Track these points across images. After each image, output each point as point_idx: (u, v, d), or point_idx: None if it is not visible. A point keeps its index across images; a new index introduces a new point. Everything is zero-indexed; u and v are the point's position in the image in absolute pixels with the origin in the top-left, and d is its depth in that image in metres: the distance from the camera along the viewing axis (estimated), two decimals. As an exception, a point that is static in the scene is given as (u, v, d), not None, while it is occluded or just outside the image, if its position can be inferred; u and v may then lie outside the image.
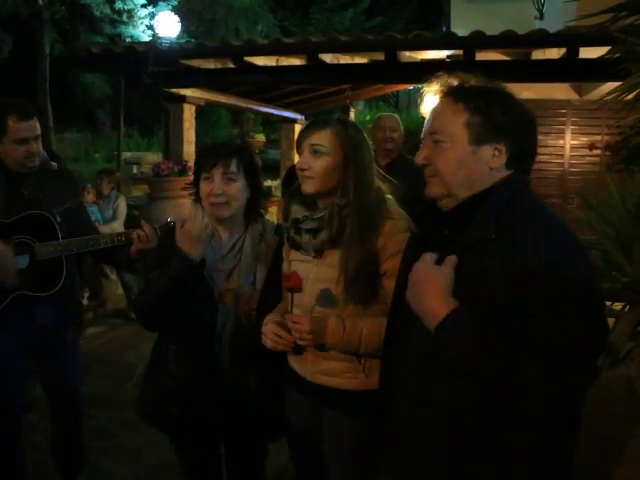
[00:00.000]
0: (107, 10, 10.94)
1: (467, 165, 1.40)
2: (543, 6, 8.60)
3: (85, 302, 5.85)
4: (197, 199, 2.16)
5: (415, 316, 1.41)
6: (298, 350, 1.90)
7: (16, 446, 2.65)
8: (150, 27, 10.53)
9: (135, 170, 12.48)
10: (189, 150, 6.98)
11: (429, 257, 1.38)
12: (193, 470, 2.30)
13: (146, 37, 10.75)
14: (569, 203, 7.63)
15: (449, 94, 1.46)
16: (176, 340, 2.11)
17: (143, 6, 11.33)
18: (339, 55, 6.23)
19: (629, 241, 2.59)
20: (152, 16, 10.76)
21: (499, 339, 1.26)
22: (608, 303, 2.71)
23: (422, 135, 1.49)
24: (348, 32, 13.72)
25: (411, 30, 6.29)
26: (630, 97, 2.98)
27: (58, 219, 2.51)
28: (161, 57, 5.96)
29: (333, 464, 1.97)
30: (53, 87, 11.13)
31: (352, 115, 9.00)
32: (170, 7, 11.80)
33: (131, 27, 11.28)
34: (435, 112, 1.47)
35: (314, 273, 1.88)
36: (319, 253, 1.87)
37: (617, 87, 3.00)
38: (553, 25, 6.25)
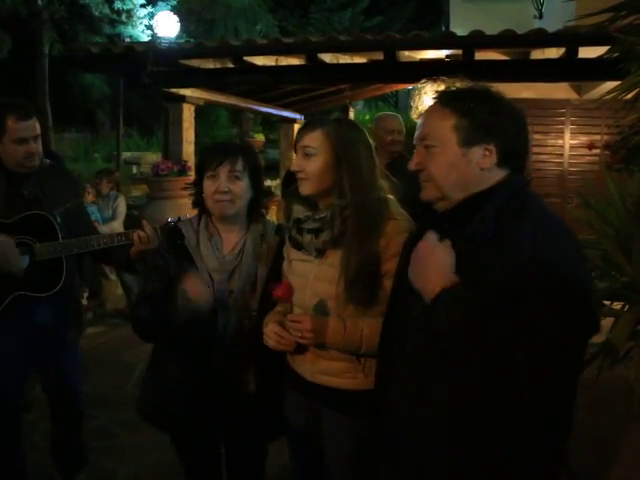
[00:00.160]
0: (106, 10, 10.95)
1: (458, 167, 1.43)
2: (542, 6, 8.61)
3: (85, 302, 5.84)
4: (197, 199, 2.16)
5: (412, 313, 1.43)
6: (300, 350, 1.90)
7: (16, 446, 2.65)
8: (149, 27, 10.54)
9: (134, 170, 12.48)
10: (188, 150, 6.98)
11: (432, 235, 1.41)
12: (193, 470, 2.30)
13: (145, 37, 10.76)
14: (568, 202, 7.64)
15: (436, 99, 1.49)
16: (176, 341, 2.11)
17: (142, 6, 11.34)
18: (338, 55, 6.23)
19: (628, 240, 2.59)
20: (151, 16, 10.77)
21: (493, 321, 1.28)
22: (607, 302, 2.72)
23: (414, 141, 1.52)
24: (347, 32, 13.74)
25: (410, 30, 6.30)
26: (629, 96, 2.98)
27: (58, 219, 2.51)
28: (160, 57, 5.95)
29: (333, 464, 1.97)
30: (52, 87, 11.14)
31: (351, 115, 9.01)
32: (169, 7, 11.82)
33: (130, 27, 11.29)
34: (424, 118, 1.50)
35: (315, 273, 1.88)
36: (321, 253, 1.87)
37: (616, 86, 3.00)
38: (552, 25, 6.26)
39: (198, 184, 2.14)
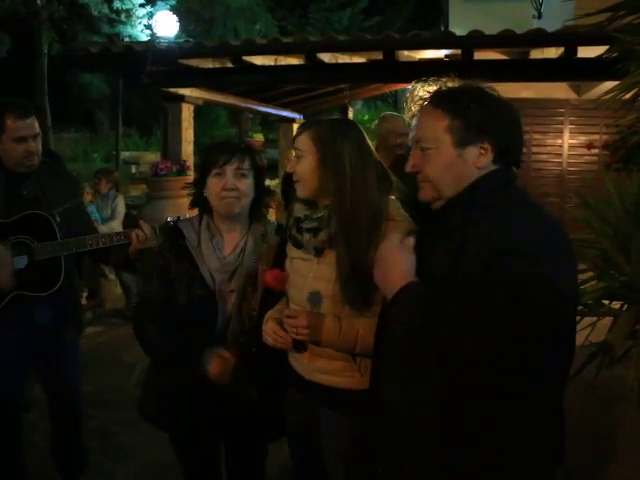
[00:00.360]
0: (105, 10, 10.95)
1: (454, 168, 1.44)
2: (541, 5, 8.61)
3: (84, 302, 5.84)
4: (198, 199, 2.16)
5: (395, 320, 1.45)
6: (298, 348, 1.91)
7: (16, 446, 2.65)
8: (148, 27, 10.54)
9: (133, 170, 12.49)
10: (187, 150, 6.98)
11: (394, 237, 1.47)
12: (192, 469, 2.30)
13: (144, 37, 10.76)
14: (567, 202, 7.65)
15: (429, 101, 1.50)
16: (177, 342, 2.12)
17: (141, 6, 11.34)
18: (337, 54, 6.23)
19: (627, 240, 2.59)
20: (150, 16, 10.77)
21: (447, 318, 1.30)
22: (606, 302, 2.72)
23: (410, 144, 1.53)
24: (346, 31, 13.76)
25: (409, 29, 6.30)
26: (628, 96, 2.98)
27: (58, 219, 2.50)
28: (159, 57, 5.95)
29: (331, 463, 1.98)
30: (51, 87, 11.12)
31: (350, 114, 9.02)
32: (168, 7, 11.82)
33: (129, 27, 11.29)
34: (418, 120, 1.51)
35: (314, 272, 1.89)
36: (319, 252, 1.87)
37: (615, 86, 3.00)
38: (551, 24, 6.26)
39: (199, 183, 2.13)
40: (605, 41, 3.22)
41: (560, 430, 1.46)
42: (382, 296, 1.67)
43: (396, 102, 18.09)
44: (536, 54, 5.92)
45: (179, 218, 2.33)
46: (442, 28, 12.41)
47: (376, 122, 4.35)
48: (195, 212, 2.24)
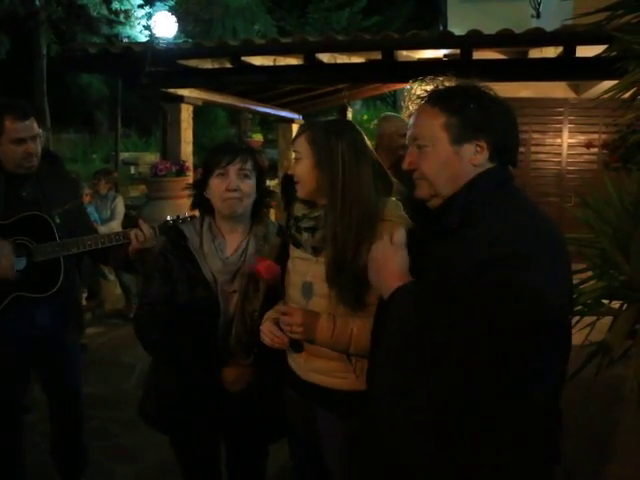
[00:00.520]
0: (104, 10, 10.94)
1: (451, 165, 1.44)
2: (540, 5, 8.61)
3: (83, 303, 5.84)
4: (199, 200, 2.16)
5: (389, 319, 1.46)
6: (295, 348, 1.92)
7: (16, 446, 2.65)
8: (147, 27, 10.54)
9: (133, 170, 12.49)
10: (187, 150, 6.98)
11: (387, 237, 1.48)
12: (192, 471, 2.30)
13: (143, 37, 10.76)
14: (567, 201, 7.66)
15: (426, 100, 1.51)
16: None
17: (140, 6, 11.34)
18: (336, 55, 6.23)
19: (627, 239, 2.59)
20: (149, 16, 10.78)
21: (439, 320, 1.31)
22: (606, 301, 2.72)
23: (407, 142, 1.54)
24: (345, 31, 13.75)
25: (408, 29, 6.30)
26: (627, 95, 2.98)
27: (57, 220, 2.50)
28: (158, 57, 5.95)
29: (329, 463, 1.98)
30: (50, 88, 11.12)
31: (349, 114, 9.01)
32: (167, 7, 11.82)
33: (128, 27, 11.28)
34: (415, 118, 1.52)
35: (312, 271, 1.89)
36: (317, 251, 1.88)
37: (614, 85, 3.00)
38: (550, 24, 6.26)
39: (201, 184, 2.13)
40: (604, 40, 3.22)
41: (557, 430, 1.46)
42: (377, 296, 1.67)
43: (395, 102, 18.09)
44: (535, 53, 5.92)
45: (179, 217, 2.34)
46: (441, 28, 12.41)
47: (375, 122, 4.33)
48: (195, 212, 2.24)
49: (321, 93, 8.75)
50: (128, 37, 11.19)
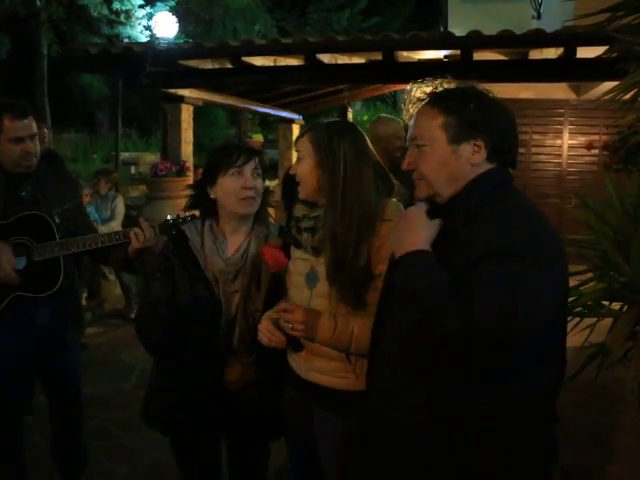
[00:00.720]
0: (105, 11, 10.96)
1: (449, 164, 1.46)
2: (540, 6, 8.61)
3: (83, 303, 5.84)
4: (202, 200, 2.16)
5: (389, 319, 1.49)
6: (294, 347, 1.92)
7: (16, 446, 2.65)
8: (148, 28, 10.55)
9: (133, 170, 12.48)
10: (187, 150, 6.98)
11: (423, 205, 1.48)
12: (192, 472, 2.29)
13: (144, 37, 10.78)
14: (567, 203, 7.64)
15: (425, 101, 1.53)
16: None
17: (141, 7, 11.35)
18: (337, 55, 6.24)
19: (627, 241, 2.59)
20: (150, 17, 10.78)
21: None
22: (606, 303, 2.72)
23: (406, 142, 1.56)
24: (345, 32, 13.75)
25: (408, 30, 6.30)
26: (628, 97, 2.98)
27: (57, 220, 2.50)
28: (159, 57, 5.95)
29: (326, 462, 1.98)
30: (51, 88, 11.14)
31: (350, 115, 9.01)
32: (168, 7, 11.82)
33: (129, 28, 11.30)
34: (414, 119, 1.54)
35: (309, 269, 1.89)
36: (317, 251, 1.88)
37: (615, 87, 3.00)
38: (550, 25, 6.26)
39: (204, 184, 2.13)
40: (604, 41, 3.22)
41: (554, 430, 1.47)
42: (377, 296, 1.68)
43: (395, 103, 18.10)
44: (535, 54, 5.92)
45: (179, 216, 2.34)
46: (441, 28, 12.41)
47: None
48: (195, 211, 2.25)
49: (321, 93, 8.75)
50: (129, 37, 11.21)
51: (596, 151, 8.45)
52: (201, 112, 9.99)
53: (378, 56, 5.92)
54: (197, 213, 2.25)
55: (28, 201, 2.49)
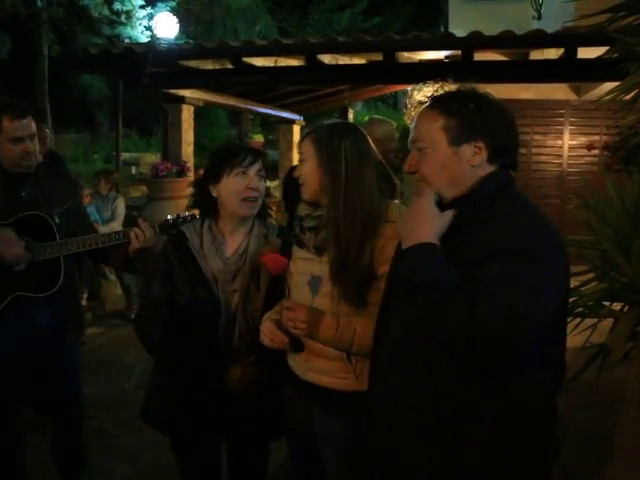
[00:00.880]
0: (105, 11, 10.95)
1: (449, 166, 1.47)
2: (541, 6, 8.61)
3: (84, 303, 5.83)
4: (202, 200, 2.16)
5: (392, 319, 1.49)
6: (295, 348, 1.91)
7: (16, 446, 2.65)
8: (148, 28, 10.55)
9: (134, 171, 12.48)
10: (188, 151, 6.98)
11: (435, 196, 1.47)
12: (192, 472, 2.29)
13: (144, 38, 10.76)
14: (567, 203, 7.64)
15: (426, 104, 1.55)
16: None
17: (141, 7, 11.35)
18: (337, 56, 6.24)
19: (628, 241, 2.59)
20: (150, 17, 10.78)
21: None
22: (607, 303, 2.71)
23: (408, 145, 1.57)
24: (346, 33, 13.73)
25: (409, 31, 6.31)
26: (628, 97, 2.98)
27: (57, 220, 2.50)
28: (160, 58, 5.95)
29: (327, 463, 1.98)
30: (52, 88, 11.14)
31: (350, 116, 9.02)
32: (168, 8, 11.82)
33: (129, 28, 11.29)
34: (416, 122, 1.55)
35: (315, 271, 1.89)
36: (320, 251, 1.88)
37: (615, 87, 3.00)
38: (551, 25, 6.26)
39: (205, 182, 2.14)
40: (605, 42, 3.21)
41: (554, 429, 1.48)
42: (379, 296, 1.68)
43: (396, 103, 18.09)
44: (536, 55, 5.92)
45: (179, 216, 2.34)
46: (442, 29, 12.42)
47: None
48: (195, 210, 2.25)
49: (322, 94, 8.75)
50: (129, 38, 11.20)
51: (597, 151, 8.44)
52: (202, 113, 10.00)
53: (379, 57, 5.93)
54: (197, 213, 2.25)
55: (28, 201, 2.48)
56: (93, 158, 15.37)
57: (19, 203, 2.47)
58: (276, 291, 2.04)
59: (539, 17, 8.58)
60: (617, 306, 2.70)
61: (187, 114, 6.94)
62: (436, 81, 1.59)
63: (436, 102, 1.53)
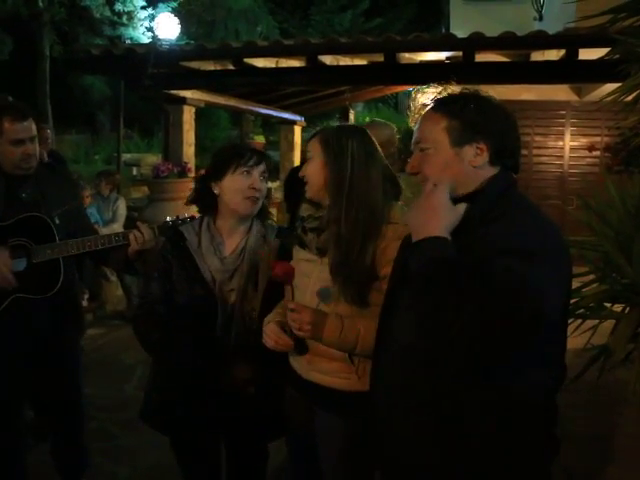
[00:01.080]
0: (107, 12, 10.98)
1: (451, 167, 1.48)
2: (542, 7, 8.62)
3: (85, 304, 5.83)
4: (204, 196, 2.16)
5: (394, 319, 1.49)
6: (299, 350, 1.91)
7: (16, 446, 2.65)
8: (150, 29, 10.57)
9: (135, 172, 12.47)
10: (189, 152, 6.99)
11: (448, 189, 1.46)
12: (192, 472, 2.29)
13: (146, 39, 10.79)
14: (569, 204, 7.63)
15: (429, 107, 1.56)
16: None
17: (143, 8, 11.38)
18: (339, 57, 6.24)
19: (629, 242, 2.59)
20: (152, 18, 10.80)
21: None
22: (608, 305, 2.71)
23: (411, 147, 1.58)
24: (347, 34, 13.75)
25: (410, 31, 6.31)
26: (630, 98, 2.98)
27: (57, 221, 2.50)
28: (161, 59, 5.96)
29: (326, 463, 1.98)
30: (53, 89, 11.16)
31: (351, 116, 9.02)
32: (170, 9, 11.84)
33: (131, 29, 11.32)
34: (419, 124, 1.56)
35: (317, 272, 1.89)
36: (322, 252, 1.88)
37: (616, 88, 3.00)
38: (552, 26, 6.26)
39: (207, 179, 2.14)
40: (606, 43, 3.22)
41: (554, 428, 1.48)
42: (381, 297, 1.68)
43: (397, 104, 18.09)
44: (537, 56, 5.92)
45: (178, 217, 2.34)
46: (443, 30, 12.42)
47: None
48: (192, 210, 2.25)
49: (323, 95, 8.76)
50: (131, 39, 11.23)
51: (598, 153, 8.44)
52: (203, 113, 10.00)
53: (380, 58, 5.93)
54: (196, 214, 2.26)
55: (28, 203, 2.48)
56: (94, 159, 15.37)
57: (19, 204, 2.47)
58: (274, 291, 2.04)
59: (540, 18, 8.58)
60: (618, 307, 2.70)
61: (188, 115, 6.95)
62: (439, 83, 1.61)
63: (439, 104, 1.54)
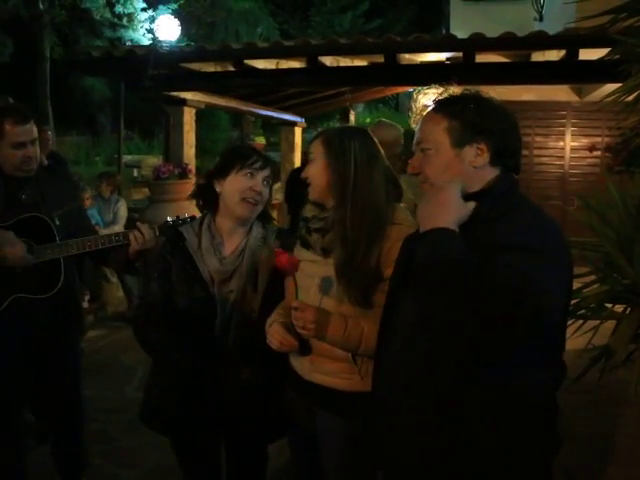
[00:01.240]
0: (107, 14, 11.00)
1: (452, 168, 1.49)
2: (542, 8, 8.62)
3: (85, 305, 5.83)
4: (203, 192, 2.16)
5: (396, 319, 1.50)
6: (303, 351, 1.91)
7: (16, 446, 2.64)
8: (150, 31, 10.58)
9: (135, 173, 12.49)
10: (189, 153, 6.99)
11: (459, 185, 1.46)
12: (192, 472, 2.29)
13: (146, 40, 10.80)
14: (569, 205, 7.63)
15: (431, 108, 1.57)
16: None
17: (143, 10, 11.39)
18: (339, 58, 6.24)
19: (630, 243, 2.58)
20: (152, 20, 10.81)
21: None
22: (609, 305, 2.71)
23: (413, 148, 1.59)
24: (348, 35, 13.75)
25: (411, 32, 6.31)
26: (630, 99, 2.98)
27: (57, 222, 2.50)
28: (161, 60, 5.96)
29: (327, 464, 1.98)
30: (54, 90, 11.17)
31: (352, 117, 9.02)
32: (170, 10, 11.85)
33: (131, 31, 11.33)
34: (420, 125, 1.58)
35: (321, 272, 1.89)
36: (326, 253, 1.88)
37: (617, 89, 3.00)
38: (552, 27, 6.26)
39: (211, 176, 2.14)
40: (607, 43, 3.22)
41: (555, 427, 1.48)
42: (384, 298, 1.68)
43: (397, 105, 18.11)
44: (537, 56, 5.92)
45: (178, 218, 2.34)
46: (443, 31, 12.43)
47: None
48: (193, 210, 2.25)
49: (324, 96, 8.76)
50: (131, 40, 11.24)
51: (598, 153, 8.44)
52: (203, 115, 10.00)
53: (380, 58, 5.93)
54: (197, 214, 2.26)
55: (28, 204, 2.49)
56: (95, 160, 15.37)
57: (19, 205, 2.47)
58: (274, 292, 2.04)
59: (540, 19, 8.59)
60: (619, 308, 2.69)
61: (189, 116, 6.95)
62: (440, 84, 1.62)
63: (440, 105, 1.55)
